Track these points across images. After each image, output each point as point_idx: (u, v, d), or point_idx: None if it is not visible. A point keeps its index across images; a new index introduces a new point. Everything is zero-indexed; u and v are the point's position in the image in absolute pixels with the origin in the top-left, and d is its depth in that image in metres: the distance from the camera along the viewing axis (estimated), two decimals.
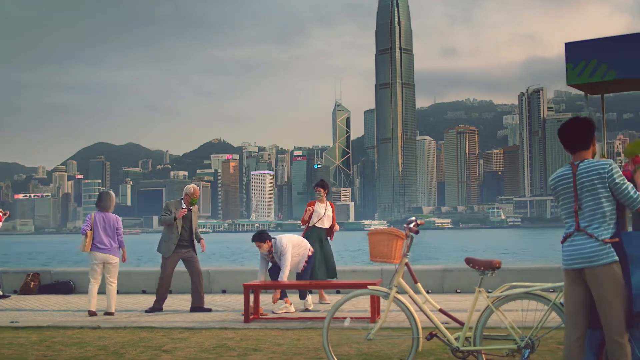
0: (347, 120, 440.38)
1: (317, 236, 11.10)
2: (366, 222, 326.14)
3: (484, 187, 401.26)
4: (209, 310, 10.33)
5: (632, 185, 4.54)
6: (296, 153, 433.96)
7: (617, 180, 4.49)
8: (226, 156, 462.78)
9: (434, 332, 5.60)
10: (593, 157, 4.77)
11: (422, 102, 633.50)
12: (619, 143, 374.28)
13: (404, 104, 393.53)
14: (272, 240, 10.08)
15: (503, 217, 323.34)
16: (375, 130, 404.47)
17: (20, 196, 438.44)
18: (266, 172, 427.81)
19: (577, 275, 4.58)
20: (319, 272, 10.76)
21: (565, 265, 4.63)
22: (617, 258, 4.46)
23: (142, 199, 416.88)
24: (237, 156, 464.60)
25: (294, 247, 10.23)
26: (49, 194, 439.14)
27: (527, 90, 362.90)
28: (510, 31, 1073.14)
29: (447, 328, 5.63)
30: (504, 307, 5.37)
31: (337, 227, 11.59)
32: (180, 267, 10.88)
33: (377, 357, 6.48)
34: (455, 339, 5.52)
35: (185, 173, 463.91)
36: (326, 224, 11.30)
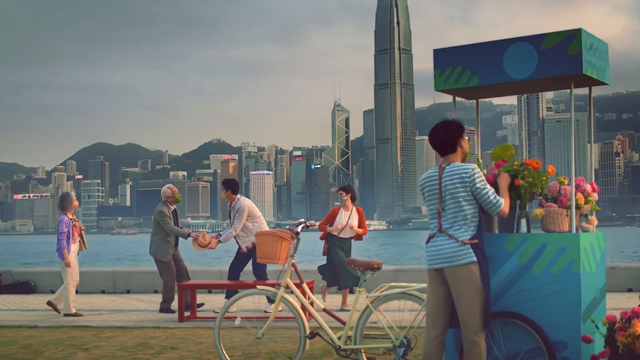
0: (347, 121, 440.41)
1: (340, 244, 10.21)
2: (365, 222, 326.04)
3: None
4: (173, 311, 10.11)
5: (492, 190, 4.67)
6: (295, 153, 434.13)
7: (477, 185, 4.60)
8: (225, 156, 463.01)
9: (315, 331, 5.77)
10: (464, 158, 4.87)
11: (422, 102, 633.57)
12: (618, 143, 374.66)
13: (403, 104, 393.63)
14: (238, 196, 10.12)
15: None
16: (375, 131, 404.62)
17: (20, 196, 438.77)
18: (265, 172, 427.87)
19: (438, 275, 4.71)
20: (348, 282, 10.01)
21: (428, 265, 4.76)
22: (475, 259, 4.58)
23: (141, 199, 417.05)
24: (236, 156, 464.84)
25: (251, 216, 10.08)
26: (49, 194, 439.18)
27: None
28: (509, 31, 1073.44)
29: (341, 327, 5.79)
30: (383, 306, 5.53)
31: (363, 230, 10.36)
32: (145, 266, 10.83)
33: (266, 356, 6.63)
34: (339, 338, 5.69)
35: (185, 173, 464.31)
36: (347, 234, 10.22)
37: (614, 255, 58.35)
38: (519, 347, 4.77)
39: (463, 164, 4.75)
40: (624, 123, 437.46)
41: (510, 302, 4.81)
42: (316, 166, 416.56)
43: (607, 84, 5.29)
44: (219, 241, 10.09)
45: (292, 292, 6.04)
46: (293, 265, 6.01)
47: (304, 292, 6.21)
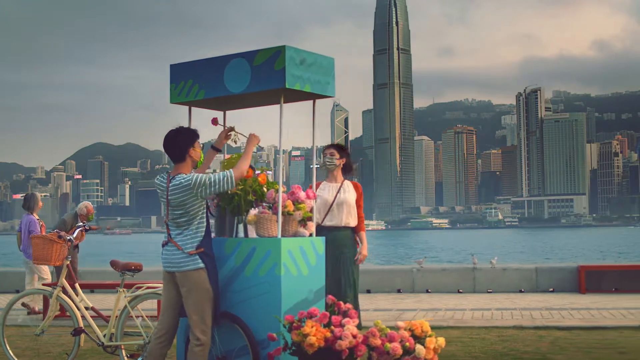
0: (346, 120, 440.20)
1: (331, 241, 6.44)
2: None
3: (482, 187, 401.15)
4: None
5: (216, 173, 4.95)
6: (294, 153, 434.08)
7: (201, 180, 4.84)
8: (225, 156, 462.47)
9: (80, 328, 6.15)
10: (194, 167, 5.13)
11: (421, 102, 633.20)
12: (617, 143, 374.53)
13: (402, 104, 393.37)
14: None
15: (500, 217, 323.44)
16: (373, 131, 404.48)
17: (19, 196, 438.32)
18: (264, 172, 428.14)
19: (171, 277, 5.00)
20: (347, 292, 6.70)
21: (163, 268, 5.06)
22: (202, 265, 4.88)
23: (140, 199, 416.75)
24: (235, 156, 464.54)
25: None
26: (48, 194, 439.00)
27: (524, 90, 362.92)
28: (508, 31, 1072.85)
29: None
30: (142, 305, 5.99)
31: (362, 227, 7.11)
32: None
33: (45, 353, 6.92)
34: (105, 335, 6.08)
35: None
36: (340, 219, 6.82)
37: (592, 255, 58.79)
38: (232, 345, 5.11)
39: (187, 174, 4.90)
40: (623, 123, 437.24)
41: (227, 302, 5.14)
42: (315, 166, 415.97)
43: (332, 97, 5.60)
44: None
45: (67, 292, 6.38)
46: (68, 266, 6.37)
47: (77, 292, 6.49)
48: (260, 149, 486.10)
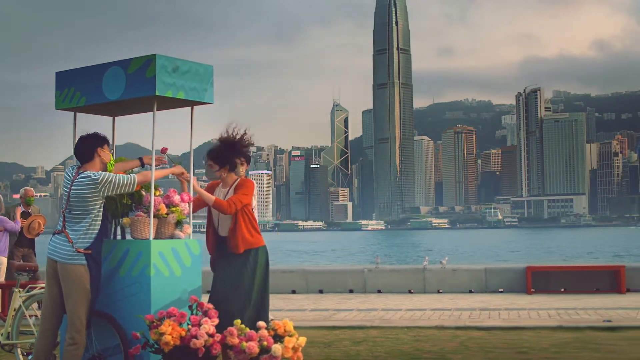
0: (346, 120, 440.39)
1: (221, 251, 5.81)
2: (363, 222, 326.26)
3: (482, 187, 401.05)
4: None
5: (122, 175, 5.15)
6: (294, 153, 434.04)
7: (106, 179, 5.04)
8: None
9: None
10: (103, 168, 5.28)
11: (421, 102, 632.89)
12: (617, 143, 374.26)
13: (402, 104, 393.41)
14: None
15: (500, 217, 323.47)
16: (373, 130, 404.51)
17: (19, 196, 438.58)
18: (264, 172, 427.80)
19: (53, 272, 5.09)
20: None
21: (47, 255, 5.16)
22: (85, 262, 4.99)
23: None
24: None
25: None
26: (48, 194, 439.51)
27: (524, 90, 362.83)
28: (508, 31, 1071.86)
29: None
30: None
31: (219, 201, 5.69)
32: None
33: None
34: (1, 334, 6.19)
35: None
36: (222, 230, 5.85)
37: (581, 255, 59.05)
38: (107, 344, 5.24)
39: (95, 172, 5.09)
40: (623, 123, 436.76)
41: (103, 302, 5.27)
42: (315, 166, 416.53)
43: (210, 103, 5.73)
44: None
45: None
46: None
47: None
48: (260, 148, 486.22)
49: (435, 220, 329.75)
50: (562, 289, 13.15)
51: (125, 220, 5.51)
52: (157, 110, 5.61)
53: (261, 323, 5.05)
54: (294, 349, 4.95)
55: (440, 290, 13.40)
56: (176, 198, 5.60)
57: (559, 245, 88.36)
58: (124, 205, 5.56)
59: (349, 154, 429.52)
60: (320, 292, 13.73)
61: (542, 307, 10.52)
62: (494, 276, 13.51)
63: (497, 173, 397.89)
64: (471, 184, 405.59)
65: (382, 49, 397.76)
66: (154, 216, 5.44)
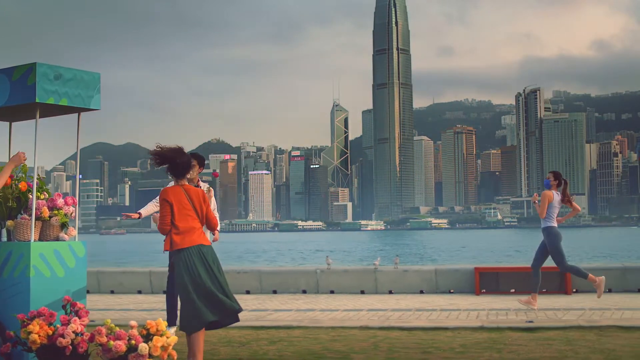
0: (346, 120, 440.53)
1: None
2: (363, 222, 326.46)
3: (482, 187, 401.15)
4: None
5: None
6: (294, 153, 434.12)
7: None
8: (224, 156, 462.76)
9: None
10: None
11: (421, 102, 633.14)
12: (616, 143, 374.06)
13: (402, 104, 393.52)
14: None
15: (499, 217, 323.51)
16: (373, 131, 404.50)
17: None
18: (264, 172, 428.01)
19: None
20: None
21: None
22: None
23: (140, 199, 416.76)
24: (235, 156, 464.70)
25: None
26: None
27: (524, 90, 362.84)
28: (508, 31, 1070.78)
29: None
30: None
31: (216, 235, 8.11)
32: None
33: None
34: None
35: None
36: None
37: (576, 255, 59.15)
38: None
39: None
40: (623, 123, 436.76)
41: None
42: (315, 166, 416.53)
43: (97, 109, 5.94)
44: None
45: None
46: None
47: None
48: (260, 148, 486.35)
49: (434, 221, 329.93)
50: (512, 290, 13.22)
51: (9, 222, 5.73)
52: (46, 116, 5.79)
53: (133, 322, 5.25)
54: (163, 348, 5.15)
55: (392, 291, 13.48)
56: (60, 201, 5.83)
57: (571, 245, 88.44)
58: (9, 208, 5.77)
59: (348, 154, 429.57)
60: (274, 292, 13.82)
61: (480, 307, 10.61)
62: (444, 277, 13.58)
63: (497, 173, 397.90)
64: (471, 184, 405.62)
65: (381, 49, 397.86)
66: (38, 219, 5.65)
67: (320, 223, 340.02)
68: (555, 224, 10.66)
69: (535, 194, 10.82)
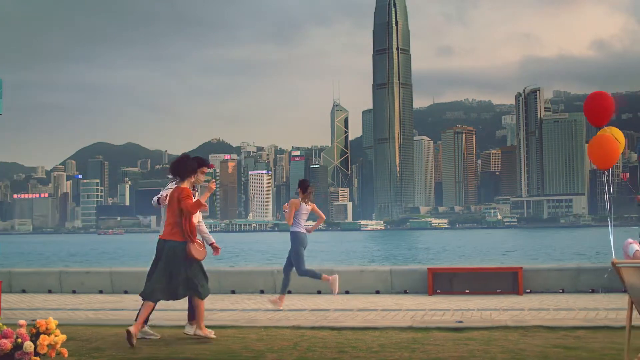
0: (346, 120, 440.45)
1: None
2: (363, 222, 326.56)
3: (482, 187, 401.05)
4: None
5: None
6: (294, 153, 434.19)
7: None
8: (224, 156, 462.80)
9: None
10: None
11: (421, 102, 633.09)
12: None
13: (402, 104, 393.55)
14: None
15: (499, 217, 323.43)
16: (373, 131, 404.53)
17: (19, 196, 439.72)
18: (264, 172, 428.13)
19: None
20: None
21: None
22: None
23: (140, 199, 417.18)
24: (235, 156, 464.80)
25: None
26: (48, 194, 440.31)
27: (524, 90, 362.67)
28: (508, 30, 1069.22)
29: None
30: None
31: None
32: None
33: None
34: None
35: None
36: None
37: (575, 254, 59.39)
38: None
39: None
40: (623, 123, 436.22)
41: None
42: (315, 166, 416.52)
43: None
44: None
45: None
46: None
47: None
48: (260, 148, 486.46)
49: (434, 221, 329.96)
50: (466, 290, 13.36)
51: None
52: None
53: (21, 321, 5.43)
54: (50, 346, 5.32)
55: (349, 291, 13.61)
56: None
57: (554, 245, 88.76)
58: None
59: (348, 154, 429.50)
60: (233, 292, 13.96)
61: (422, 308, 10.74)
62: (398, 277, 13.72)
63: (497, 173, 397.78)
64: (471, 184, 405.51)
65: (381, 48, 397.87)
66: None
67: None
68: (302, 230, 11.06)
69: (285, 204, 11.34)
